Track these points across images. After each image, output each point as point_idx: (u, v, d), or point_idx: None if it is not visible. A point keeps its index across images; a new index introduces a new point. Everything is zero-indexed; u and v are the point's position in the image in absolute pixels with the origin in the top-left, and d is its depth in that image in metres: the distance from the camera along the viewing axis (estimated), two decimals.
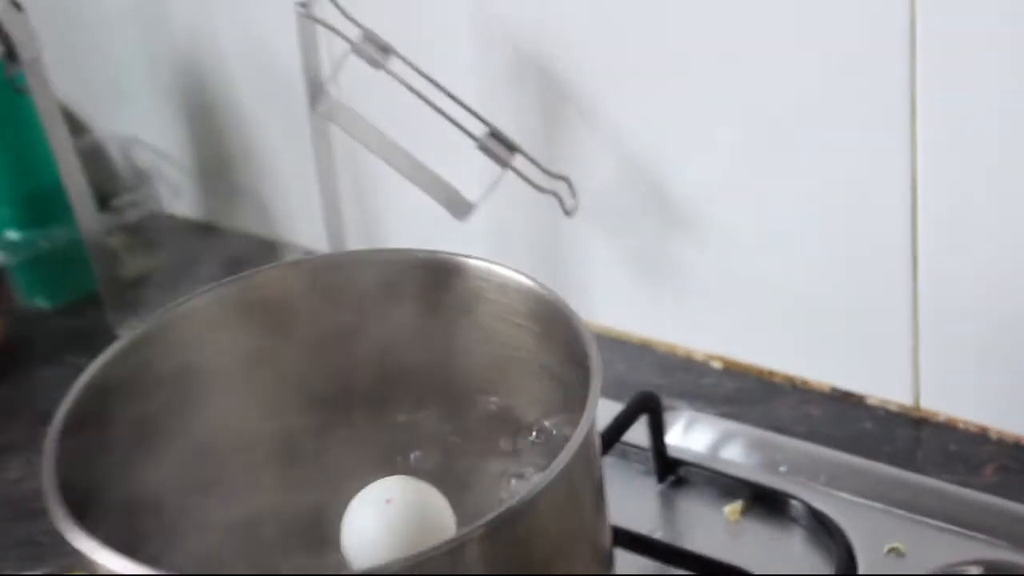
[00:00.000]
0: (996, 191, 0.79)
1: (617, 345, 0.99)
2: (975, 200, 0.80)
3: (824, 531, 0.80)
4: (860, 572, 0.78)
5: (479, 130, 0.90)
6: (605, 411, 0.77)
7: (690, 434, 0.90)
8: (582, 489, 0.62)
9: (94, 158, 1.19)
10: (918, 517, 0.81)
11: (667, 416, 0.88)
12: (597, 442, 0.64)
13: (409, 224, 1.05)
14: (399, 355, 0.71)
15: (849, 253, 0.87)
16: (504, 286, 0.69)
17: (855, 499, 0.83)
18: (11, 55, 1.02)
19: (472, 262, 0.70)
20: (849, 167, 0.84)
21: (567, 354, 0.66)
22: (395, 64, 0.91)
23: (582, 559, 0.63)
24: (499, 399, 0.72)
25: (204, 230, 1.19)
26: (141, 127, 1.19)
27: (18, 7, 1.02)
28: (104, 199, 1.18)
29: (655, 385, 0.91)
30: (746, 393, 0.94)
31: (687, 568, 0.77)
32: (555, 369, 0.68)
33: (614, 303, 0.98)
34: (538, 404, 0.71)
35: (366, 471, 0.67)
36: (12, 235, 1.13)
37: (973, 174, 0.79)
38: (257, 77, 1.07)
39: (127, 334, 0.68)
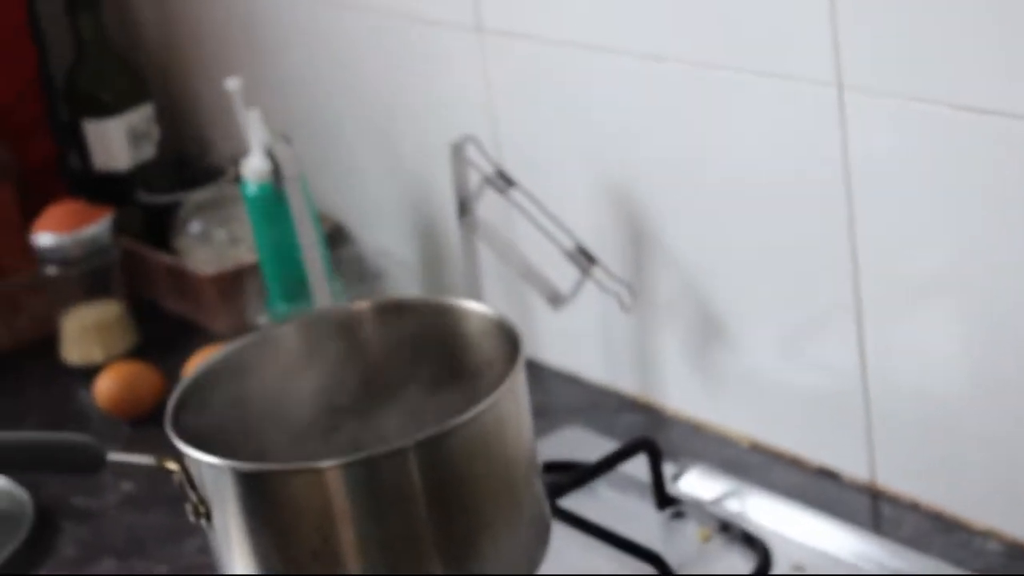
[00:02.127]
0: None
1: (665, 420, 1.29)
2: None
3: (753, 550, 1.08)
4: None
5: (570, 243, 1.24)
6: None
7: (693, 480, 1.19)
8: (509, 423, 0.94)
9: (353, 261, 1.58)
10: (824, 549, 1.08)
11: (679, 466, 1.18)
12: (524, 391, 0.96)
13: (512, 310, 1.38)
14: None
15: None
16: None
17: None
18: (278, 175, 1.43)
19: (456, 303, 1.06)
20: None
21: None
22: (517, 192, 1.26)
23: (506, 485, 0.94)
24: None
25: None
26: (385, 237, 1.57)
27: (287, 140, 1.42)
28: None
29: (687, 450, 1.22)
30: (760, 466, 1.21)
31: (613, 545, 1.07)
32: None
33: (669, 385, 1.29)
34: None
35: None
36: (280, 307, 1.52)
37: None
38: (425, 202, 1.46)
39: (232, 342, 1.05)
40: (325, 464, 0.91)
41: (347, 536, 0.91)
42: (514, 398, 0.96)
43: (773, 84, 1.10)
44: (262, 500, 0.92)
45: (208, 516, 0.96)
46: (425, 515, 0.92)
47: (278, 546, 0.93)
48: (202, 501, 0.96)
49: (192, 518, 0.96)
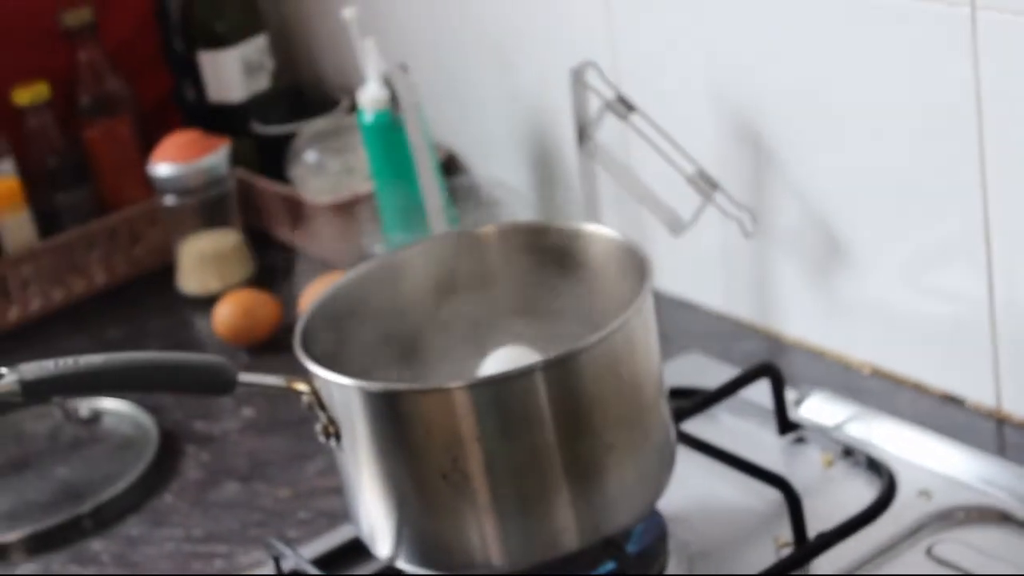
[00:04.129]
0: None
1: (785, 347, 1.28)
2: None
3: (878, 475, 1.08)
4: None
5: (691, 169, 1.23)
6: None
7: (814, 405, 1.18)
8: (637, 346, 0.94)
9: (469, 189, 1.58)
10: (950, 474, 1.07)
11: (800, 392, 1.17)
12: (652, 314, 0.96)
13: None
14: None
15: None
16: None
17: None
18: (395, 103, 1.43)
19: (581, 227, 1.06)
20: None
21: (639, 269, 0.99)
22: (637, 118, 1.25)
23: (633, 408, 0.95)
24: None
25: None
26: (498, 167, 1.57)
27: (404, 68, 1.42)
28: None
29: (808, 377, 1.21)
30: (882, 393, 1.20)
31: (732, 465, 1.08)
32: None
33: (789, 312, 1.28)
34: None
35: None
36: (395, 235, 1.52)
37: None
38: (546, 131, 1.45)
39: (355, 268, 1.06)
40: (454, 384, 0.91)
41: (476, 457, 0.92)
42: (642, 321, 0.95)
43: (902, 3, 1.08)
44: (392, 420, 0.93)
45: (338, 436, 0.97)
46: (552, 437, 0.92)
47: (408, 467, 0.94)
48: (332, 421, 0.96)
49: (322, 439, 0.97)
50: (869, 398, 1.18)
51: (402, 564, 0.98)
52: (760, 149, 1.23)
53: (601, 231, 1.05)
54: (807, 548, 1.01)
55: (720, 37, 1.23)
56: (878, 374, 1.22)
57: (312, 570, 1.06)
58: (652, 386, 0.97)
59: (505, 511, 0.93)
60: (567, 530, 0.94)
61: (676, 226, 1.26)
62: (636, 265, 1.00)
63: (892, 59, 1.11)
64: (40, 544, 1.23)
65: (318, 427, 0.97)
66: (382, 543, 0.98)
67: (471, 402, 0.91)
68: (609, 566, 1.00)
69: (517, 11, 1.45)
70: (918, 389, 1.18)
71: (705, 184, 1.23)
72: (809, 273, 1.24)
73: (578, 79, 1.27)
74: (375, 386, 0.93)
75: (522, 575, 0.96)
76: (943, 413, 1.15)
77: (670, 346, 1.28)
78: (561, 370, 0.91)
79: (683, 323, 1.34)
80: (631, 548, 1.02)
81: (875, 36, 1.11)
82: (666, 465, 1.00)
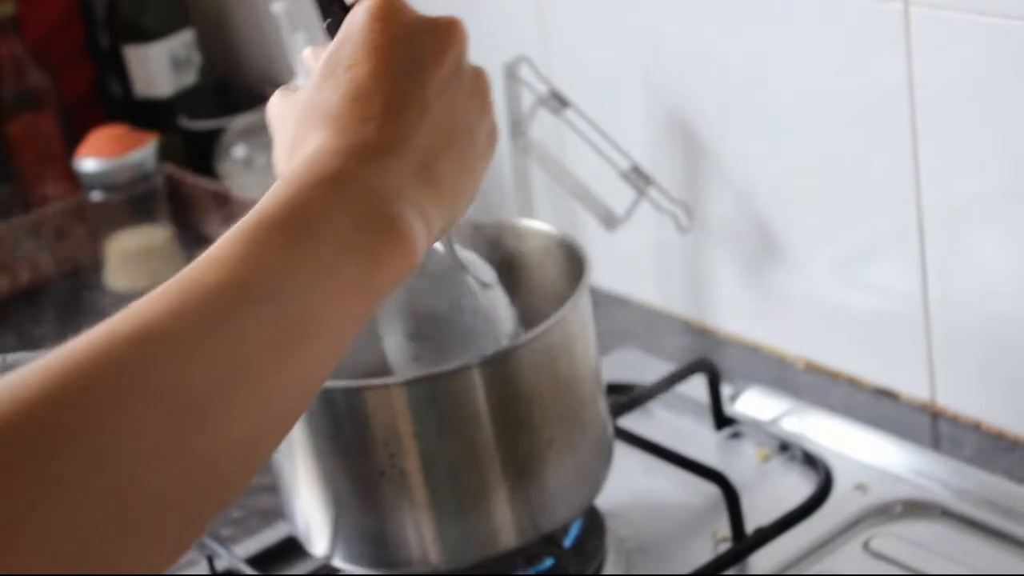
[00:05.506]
0: None
1: (719, 343, 1.28)
2: None
3: (815, 470, 1.08)
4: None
5: (626, 164, 1.23)
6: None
7: (749, 400, 1.18)
8: (575, 342, 0.94)
9: None
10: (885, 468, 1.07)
11: (735, 387, 1.17)
12: (589, 310, 0.96)
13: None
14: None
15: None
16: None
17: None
18: None
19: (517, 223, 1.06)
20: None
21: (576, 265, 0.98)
22: (571, 113, 1.25)
23: (571, 404, 0.94)
24: None
25: None
26: None
27: None
28: None
29: (742, 372, 1.21)
30: (817, 387, 1.21)
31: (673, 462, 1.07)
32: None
33: (724, 307, 1.28)
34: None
35: None
36: None
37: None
38: None
39: None
40: (391, 381, 0.90)
41: (413, 455, 0.91)
42: (579, 316, 0.95)
43: None
44: (328, 418, 0.92)
45: None
46: (490, 434, 0.91)
47: (344, 464, 0.93)
48: None
49: None
50: (804, 393, 1.18)
51: (338, 563, 0.97)
52: (694, 144, 1.23)
53: (537, 226, 1.05)
54: (745, 543, 1.01)
55: (654, 31, 1.23)
56: (813, 368, 1.22)
57: (246, 569, 1.05)
58: (590, 382, 0.97)
59: (443, 509, 0.92)
60: (505, 528, 0.93)
61: (610, 221, 1.26)
62: (573, 261, 0.99)
63: (826, 54, 1.11)
64: None
65: None
66: (318, 541, 0.97)
67: (407, 399, 0.90)
68: (547, 563, 1.00)
69: (450, 5, 1.43)
70: (853, 383, 1.19)
71: (639, 179, 1.23)
72: (744, 268, 1.24)
73: (511, 74, 1.27)
74: None
75: (461, 574, 0.95)
76: (878, 407, 1.16)
77: (605, 342, 1.27)
78: (498, 367, 0.90)
79: (618, 319, 1.34)
80: (568, 544, 1.01)
81: (809, 31, 1.11)
82: (604, 461, 1.00)
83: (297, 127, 0.70)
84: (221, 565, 1.07)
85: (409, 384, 0.90)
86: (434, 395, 0.90)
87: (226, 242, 0.62)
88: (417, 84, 0.69)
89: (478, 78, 0.73)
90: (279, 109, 0.73)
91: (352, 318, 0.64)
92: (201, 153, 1.63)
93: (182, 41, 1.72)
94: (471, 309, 0.93)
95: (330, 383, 0.93)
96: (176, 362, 0.56)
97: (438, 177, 0.69)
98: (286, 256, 0.62)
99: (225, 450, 0.58)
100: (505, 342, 0.93)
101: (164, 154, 1.62)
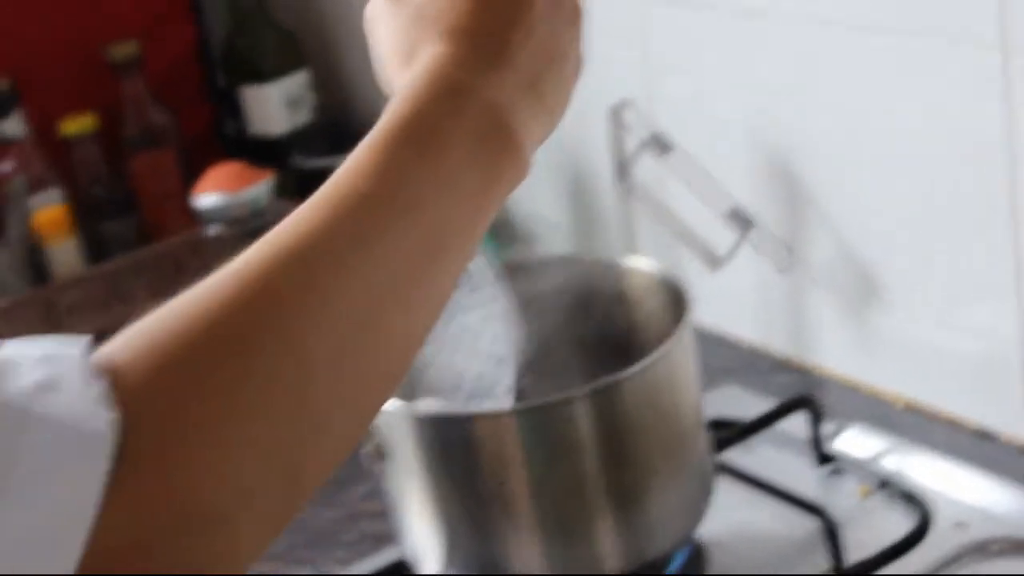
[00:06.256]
0: None
1: (819, 381, 1.30)
2: None
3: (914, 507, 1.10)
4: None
5: (728, 205, 1.26)
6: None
7: (850, 438, 1.20)
8: (678, 376, 0.97)
9: (505, 224, 1.61)
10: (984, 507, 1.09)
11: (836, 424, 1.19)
12: (692, 345, 0.99)
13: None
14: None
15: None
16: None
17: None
18: None
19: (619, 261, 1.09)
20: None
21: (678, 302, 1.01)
22: (674, 155, 1.28)
23: (674, 437, 0.97)
24: None
25: None
26: (536, 202, 1.60)
27: None
28: None
29: (841, 410, 1.23)
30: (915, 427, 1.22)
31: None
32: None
33: (823, 347, 1.30)
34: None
35: None
36: None
37: None
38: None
39: None
40: (502, 410, 0.94)
41: (521, 481, 0.94)
42: (683, 350, 0.98)
43: (936, 47, 1.11)
44: (440, 445, 0.95)
45: (383, 458, 0.99)
46: (595, 463, 0.95)
47: (455, 489, 0.96)
48: (379, 446, 0.99)
49: (369, 461, 1.00)
50: (904, 432, 1.20)
51: None
52: (795, 185, 1.26)
53: (641, 265, 1.08)
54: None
55: (756, 75, 1.26)
56: (912, 408, 1.24)
57: None
58: (692, 415, 1.00)
59: (549, 535, 0.96)
60: (610, 554, 0.97)
61: (713, 262, 1.28)
62: (675, 298, 1.02)
63: (927, 97, 1.13)
64: None
65: (365, 450, 1.00)
66: (428, 563, 1.01)
67: (517, 427, 0.93)
68: None
69: None
70: (952, 424, 1.21)
71: (741, 221, 1.25)
72: (843, 308, 1.27)
73: (616, 117, 1.30)
74: (424, 411, 0.95)
75: None
76: (977, 447, 1.17)
77: (708, 378, 1.29)
78: (603, 398, 0.94)
79: (720, 358, 1.37)
80: (671, 573, 1.04)
81: (911, 74, 1.14)
82: (705, 492, 1.02)
83: (408, 34, 0.71)
84: None
85: (518, 413, 0.93)
86: (541, 424, 0.94)
87: (364, 152, 0.65)
88: (527, 5, 0.71)
89: (575, 9, 0.75)
90: (380, 11, 0.74)
91: (474, 230, 0.67)
92: (313, 190, 1.68)
93: (297, 82, 1.77)
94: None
95: (443, 411, 0.97)
96: (336, 278, 0.60)
97: (542, 95, 0.71)
98: (420, 168, 0.65)
99: (383, 357, 0.62)
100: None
101: (278, 191, 1.67)
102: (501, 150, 0.68)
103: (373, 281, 0.62)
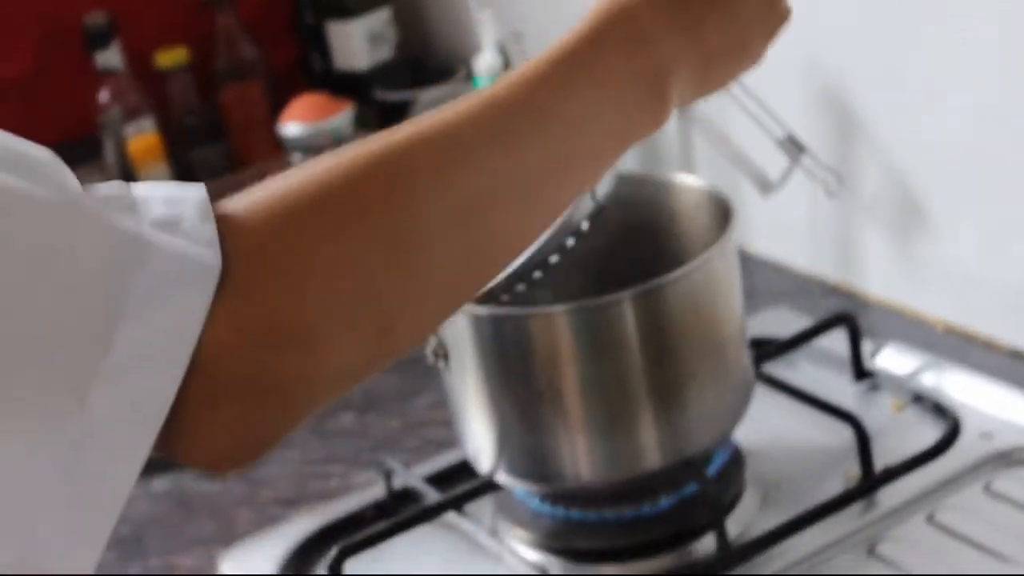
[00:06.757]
0: None
1: (865, 304, 1.36)
2: None
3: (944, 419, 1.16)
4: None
5: (781, 133, 1.32)
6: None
7: (889, 356, 1.26)
8: (719, 283, 1.04)
9: None
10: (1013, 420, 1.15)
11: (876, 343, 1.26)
12: (734, 256, 1.06)
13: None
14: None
15: None
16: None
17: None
18: (508, 69, 1.53)
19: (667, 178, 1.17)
20: None
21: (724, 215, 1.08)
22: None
23: (713, 342, 1.04)
24: None
25: None
26: None
27: (518, 37, 1.52)
28: None
29: (884, 331, 1.29)
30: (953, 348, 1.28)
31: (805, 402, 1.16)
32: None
33: (870, 272, 1.36)
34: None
35: None
36: None
37: None
38: None
39: None
40: (554, 309, 1.01)
41: (569, 378, 1.02)
42: (724, 260, 1.05)
43: None
44: (496, 342, 1.03)
45: (447, 357, 1.07)
46: (639, 361, 1.02)
47: (508, 386, 1.04)
48: (441, 344, 1.07)
49: (431, 359, 1.08)
50: (941, 352, 1.26)
51: (501, 478, 1.08)
52: (847, 114, 1.32)
53: (690, 181, 1.15)
54: (873, 480, 1.09)
55: (812, 7, 1.32)
56: (951, 331, 1.30)
57: (421, 485, 1.17)
58: (732, 323, 1.07)
59: (594, 429, 1.03)
60: (651, 449, 1.04)
61: (766, 187, 1.35)
62: (723, 213, 1.09)
63: (979, 31, 1.19)
64: None
65: (428, 348, 1.08)
66: (484, 459, 1.09)
67: (568, 325, 1.01)
68: (691, 487, 1.09)
69: None
70: (987, 345, 1.26)
71: (794, 148, 1.31)
72: (890, 234, 1.33)
73: None
74: (481, 310, 1.03)
75: (609, 491, 1.06)
76: (1010, 366, 1.23)
77: (758, 301, 1.37)
78: (647, 300, 1.01)
79: (771, 282, 1.43)
80: (711, 474, 1.11)
81: (963, 9, 1.19)
82: (744, 396, 1.09)
83: None
84: (398, 483, 1.19)
85: (568, 312, 1.01)
86: (590, 322, 1.01)
87: (533, 63, 0.72)
88: None
89: (780, 15, 0.83)
90: None
91: (598, 163, 0.74)
92: (393, 122, 1.75)
93: (380, 18, 1.85)
94: None
95: (498, 309, 1.05)
96: (466, 168, 0.68)
97: (708, 73, 0.79)
98: (575, 94, 0.72)
99: (486, 249, 0.69)
100: None
101: (360, 123, 1.75)
102: (649, 99, 0.75)
103: (498, 180, 0.69)
